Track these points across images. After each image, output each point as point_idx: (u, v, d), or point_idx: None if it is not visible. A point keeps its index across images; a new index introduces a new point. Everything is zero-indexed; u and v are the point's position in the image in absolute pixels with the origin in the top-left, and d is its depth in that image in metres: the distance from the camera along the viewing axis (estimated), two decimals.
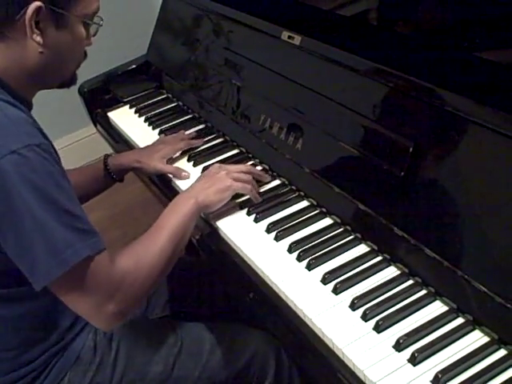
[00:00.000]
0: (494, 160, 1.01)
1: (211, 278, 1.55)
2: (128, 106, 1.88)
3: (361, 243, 1.17)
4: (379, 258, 1.13)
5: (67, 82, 1.20)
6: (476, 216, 1.02)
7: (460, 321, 1.00)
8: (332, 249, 1.17)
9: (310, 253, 1.17)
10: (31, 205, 0.97)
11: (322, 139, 1.30)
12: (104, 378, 1.23)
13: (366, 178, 1.20)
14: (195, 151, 1.55)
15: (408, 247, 1.08)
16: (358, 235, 1.19)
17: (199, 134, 1.61)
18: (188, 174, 1.47)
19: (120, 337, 1.27)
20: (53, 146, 1.08)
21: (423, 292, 1.05)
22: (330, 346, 1.00)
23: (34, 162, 0.98)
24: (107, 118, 1.87)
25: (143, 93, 1.92)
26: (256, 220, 1.28)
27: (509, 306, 0.92)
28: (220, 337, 1.31)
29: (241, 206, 1.32)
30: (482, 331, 0.97)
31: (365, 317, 1.02)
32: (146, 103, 1.86)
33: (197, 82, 1.77)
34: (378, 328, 1.00)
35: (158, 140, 1.61)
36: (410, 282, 1.08)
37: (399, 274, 1.09)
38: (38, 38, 1.06)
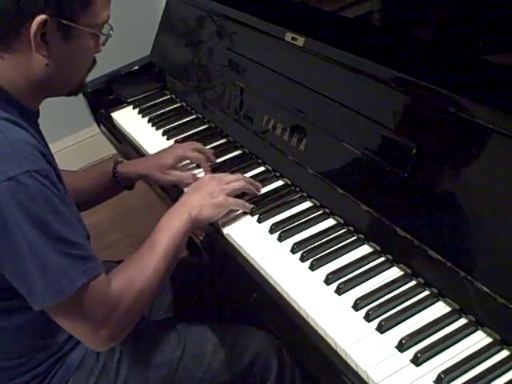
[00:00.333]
0: (496, 161, 1.01)
1: (214, 279, 1.55)
2: (131, 107, 1.88)
3: (364, 244, 1.18)
4: (382, 259, 1.14)
5: (75, 90, 1.17)
6: (479, 217, 1.02)
7: (463, 321, 1.00)
8: (335, 249, 1.17)
9: (313, 253, 1.17)
10: (27, 233, 0.97)
11: (325, 140, 1.30)
12: (107, 382, 1.22)
13: (369, 179, 1.20)
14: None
15: (411, 248, 1.08)
16: (361, 236, 1.19)
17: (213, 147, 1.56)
18: (192, 179, 1.44)
19: (123, 341, 1.25)
20: (55, 169, 1.06)
21: (426, 293, 1.05)
22: (333, 345, 1.01)
23: (31, 189, 0.97)
24: (111, 118, 1.87)
25: (147, 93, 1.92)
26: (259, 220, 1.28)
27: (511, 306, 0.93)
28: (222, 338, 1.31)
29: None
30: (485, 332, 0.97)
31: (368, 317, 1.02)
32: (149, 104, 1.87)
33: (200, 83, 1.77)
34: (381, 328, 1.00)
35: (168, 147, 1.56)
36: (413, 282, 1.08)
37: (402, 275, 1.10)
38: (44, 51, 1.03)
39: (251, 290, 1.18)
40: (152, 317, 1.47)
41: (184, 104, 1.82)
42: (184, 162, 1.51)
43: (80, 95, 1.88)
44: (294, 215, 1.28)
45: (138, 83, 1.95)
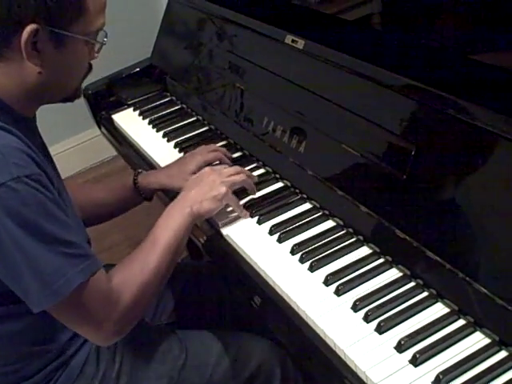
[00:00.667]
0: (495, 162, 1.01)
1: (215, 282, 1.55)
2: (132, 109, 1.88)
3: (363, 245, 1.18)
4: (381, 260, 1.14)
5: (71, 96, 1.16)
6: (478, 218, 1.02)
7: (461, 322, 1.00)
8: (334, 251, 1.18)
9: (312, 255, 1.17)
10: (19, 239, 0.97)
11: (324, 142, 1.31)
12: None
13: (369, 180, 1.21)
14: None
15: (410, 249, 1.08)
16: (361, 237, 1.19)
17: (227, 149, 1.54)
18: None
19: (124, 350, 1.25)
20: (46, 173, 1.05)
21: (425, 294, 1.06)
22: (332, 346, 1.01)
23: (23, 194, 0.97)
24: (111, 120, 1.88)
25: (147, 95, 1.92)
26: (259, 222, 1.28)
27: (510, 307, 0.93)
28: (225, 347, 1.29)
29: (244, 208, 1.32)
30: (483, 333, 0.98)
31: (367, 318, 1.03)
32: (149, 106, 1.87)
33: (200, 85, 1.78)
34: (380, 329, 1.00)
35: (186, 155, 1.51)
36: (412, 284, 1.08)
37: (401, 276, 1.10)
38: (36, 60, 1.02)
39: (252, 291, 1.19)
40: (155, 321, 1.46)
41: (184, 106, 1.83)
42: None
43: (81, 97, 1.90)
44: (293, 217, 1.28)
45: (139, 85, 1.96)
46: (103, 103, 1.91)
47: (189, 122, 1.75)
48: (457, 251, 1.03)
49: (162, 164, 1.56)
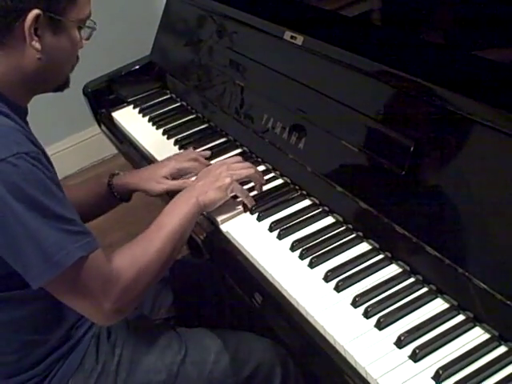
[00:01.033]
0: (494, 158, 1.02)
1: (215, 278, 1.55)
2: (132, 106, 1.89)
3: (362, 241, 1.18)
4: (381, 256, 1.14)
5: (62, 85, 1.20)
6: (476, 214, 1.03)
7: (461, 318, 1.00)
8: (334, 247, 1.18)
9: (312, 251, 1.17)
10: (20, 213, 0.98)
11: (324, 139, 1.31)
12: None
13: (368, 176, 1.21)
14: (199, 151, 1.56)
15: (409, 245, 1.09)
16: (360, 233, 1.19)
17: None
18: (184, 184, 1.41)
19: (123, 342, 1.26)
20: (44, 153, 1.08)
21: (424, 290, 1.06)
22: (332, 342, 1.01)
23: (23, 170, 0.99)
24: (111, 118, 1.88)
25: (147, 93, 1.93)
26: (259, 219, 1.29)
27: (509, 303, 0.93)
28: (225, 345, 1.30)
29: (244, 205, 1.32)
30: (483, 328, 0.98)
31: (366, 314, 1.03)
32: (149, 103, 1.88)
33: (200, 82, 1.78)
34: (380, 325, 1.00)
35: (164, 159, 1.52)
36: (412, 279, 1.08)
37: (401, 272, 1.10)
38: (37, 45, 1.06)
39: (251, 288, 1.19)
40: (153, 316, 1.47)
41: (184, 103, 1.83)
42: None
43: (81, 95, 1.91)
44: (293, 213, 1.29)
45: (139, 83, 1.96)
46: (103, 101, 1.92)
47: (189, 120, 1.75)
48: (456, 247, 1.03)
49: None
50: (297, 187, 1.36)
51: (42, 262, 1.00)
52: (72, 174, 2.99)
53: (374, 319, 1.02)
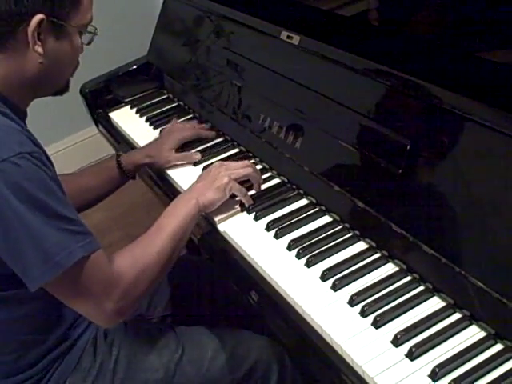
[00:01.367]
0: (490, 157, 1.02)
1: (212, 277, 1.55)
2: (129, 107, 1.89)
3: (359, 240, 1.19)
4: (377, 255, 1.14)
5: (62, 89, 1.21)
6: (473, 213, 1.03)
7: (457, 316, 1.01)
8: (331, 246, 1.18)
9: (309, 250, 1.18)
10: (22, 213, 0.98)
11: (320, 138, 1.31)
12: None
13: (365, 176, 1.21)
14: (196, 150, 1.56)
15: (406, 244, 1.09)
16: (357, 232, 1.20)
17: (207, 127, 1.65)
18: (199, 156, 1.52)
19: (120, 342, 1.26)
20: (45, 153, 1.09)
21: (421, 288, 1.06)
22: (329, 341, 1.01)
23: (25, 170, 0.99)
24: (109, 118, 1.88)
25: (144, 93, 1.93)
26: (256, 218, 1.29)
27: (505, 301, 0.93)
28: (222, 343, 1.31)
29: (241, 205, 1.33)
30: (479, 326, 0.98)
31: (363, 313, 1.03)
32: (146, 103, 1.88)
33: (197, 82, 1.78)
34: (376, 324, 1.01)
35: (165, 131, 1.63)
36: (408, 278, 1.09)
37: (397, 271, 1.10)
38: (40, 49, 1.07)
39: (249, 287, 1.19)
40: (149, 314, 1.48)
41: (181, 103, 1.83)
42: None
43: (78, 96, 1.91)
44: (290, 213, 1.29)
45: (136, 83, 1.96)
46: (100, 101, 1.92)
47: (186, 119, 1.75)
48: (452, 245, 1.03)
49: None
50: (293, 186, 1.36)
51: (42, 263, 1.00)
52: None
53: (371, 318, 1.02)
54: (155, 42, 1.99)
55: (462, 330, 0.98)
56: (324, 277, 1.11)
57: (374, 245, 1.16)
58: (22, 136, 1.03)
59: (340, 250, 1.17)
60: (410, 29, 1.34)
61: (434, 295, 1.05)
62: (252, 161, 1.47)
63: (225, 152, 1.55)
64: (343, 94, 1.29)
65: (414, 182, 1.12)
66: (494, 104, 1.02)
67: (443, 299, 1.03)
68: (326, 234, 1.22)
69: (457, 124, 1.07)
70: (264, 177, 1.41)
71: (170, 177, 1.51)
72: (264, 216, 1.29)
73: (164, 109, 1.83)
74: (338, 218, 1.24)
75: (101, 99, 1.92)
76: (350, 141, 1.23)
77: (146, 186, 1.73)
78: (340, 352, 0.99)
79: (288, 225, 1.25)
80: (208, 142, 1.60)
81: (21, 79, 1.10)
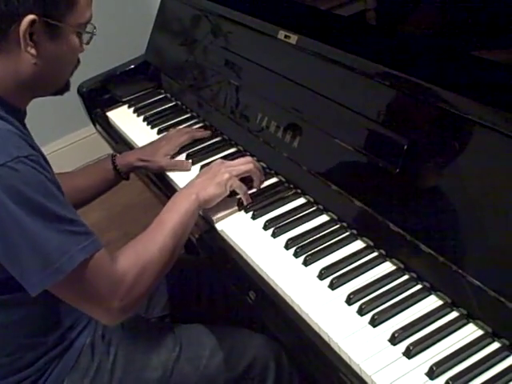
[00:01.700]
0: (487, 156, 1.02)
1: (210, 277, 1.56)
2: (127, 106, 1.89)
3: (357, 239, 1.19)
4: (375, 254, 1.15)
5: (61, 89, 1.19)
6: (470, 212, 1.03)
7: (454, 315, 1.01)
8: (328, 245, 1.18)
9: (306, 249, 1.18)
10: (20, 218, 0.98)
11: (318, 137, 1.31)
12: (102, 383, 1.23)
13: (362, 175, 1.21)
14: (193, 150, 1.57)
15: (403, 243, 1.09)
16: (354, 231, 1.20)
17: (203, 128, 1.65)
18: (190, 165, 1.50)
19: (118, 341, 1.26)
20: (43, 155, 1.08)
21: (418, 287, 1.07)
22: (327, 340, 1.02)
23: (23, 174, 0.98)
24: (106, 117, 1.88)
25: (142, 92, 1.93)
26: (253, 217, 1.29)
27: (502, 299, 0.94)
28: (220, 341, 1.31)
29: (238, 204, 1.33)
30: (476, 325, 0.98)
31: (361, 311, 1.03)
32: (144, 103, 1.88)
33: (195, 82, 1.78)
34: (374, 322, 1.01)
35: (161, 137, 1.63)
36: (406, 277, 1.09)
37: (395, 270, 1.11)
38: (32, 50, 1.05)
39: (246, 287, 1.19)
40: (148, 314, 1.47)
41: (179, 103, 1.83)
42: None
43: (76, 95, 1.91)
44: (287, 212, 1.29)
45: (133, 82, 1.96)
46: (98, 101, 1.92)
47: (183, 119, 1.75)
48: (450, 244, 1.03)
49: None
50: (291, 186, 1.36)
51: (42, 269, 1.00)
52: None
53: (368, 316, 1.02)
54: (153, 41, 1.99)
55: (459, 328, 0.99)
56: (321, 275, 1.12)
57: (371, 244, 1.16)
58: (19, 139, 1.02)
59: (337, 249, 1.17)
60: (407, 28, 1.34)
61: (431, 294, 1.05)
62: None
63: (222, 151, 1.55)
64: (341, 93, 1.29)
65: (412, 181, 1.12)
66: (491, 103, 1.02)
67: (440, 298, 1.04)
68: (324, 232, 1.22)
69: (454, 123, 1.07)
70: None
71: (168, 176, 1.51)
72: (261, 215, 1.29)
73: (161, 108, 1.83)
74: (335, 217, 1.25)
75: (98, 98, 1.92)
76: (348, 140, 1.23)
77: (144, 185, 1.73)
78: (337, 350, 1.00)
79: (285, 224, 1.25)
80: (205, 142, 1.60)
81: (16, 80, 1.08)
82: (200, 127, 1.68)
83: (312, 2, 1.54)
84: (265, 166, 1.44)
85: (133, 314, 1.16)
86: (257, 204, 1.32)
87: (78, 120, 2.33)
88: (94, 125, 1.94)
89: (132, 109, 1.86)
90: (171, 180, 1.50)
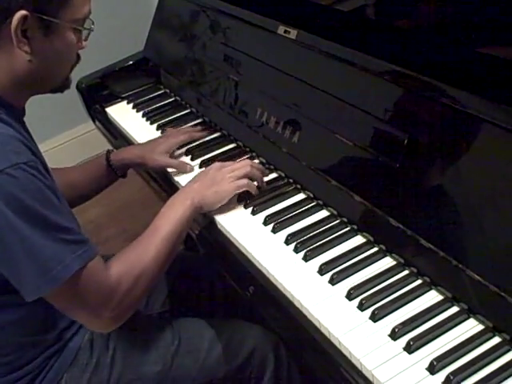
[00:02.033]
0: (487, 151, 1.02)
1: (210, 273, 1.55)
2: (126, 102, 1.89)
3: (357, 234, 1.19)
4: (375, 249, 1.14)
5: (60, 87, 1.17)
6: (471, 206, 1.03)
7: (455, 309, 1.01)
8: (328, 240, 1.18)
9: (306, 244, 1.18)
10: (18, 225, 0.97)
11: (318, 132, 1.31)
12: (101, 378, 1.22)
13: (362, 170, 1.21)
14: (193, 145, 1.56)
15: (404, 238, 1.09)
16: (354, 227, 1.20)
17: (202, 127, 1.63)
18: (192, 167, 1.47)
19: (117, 336, 1.26)
20: (41, 159, 1.07)
21: (418, 282, 1.06)
22: (327, 335, 1.02)
23: (22, 181, 0.98)
24: (105, 113, 1.88)
25: (141, 88, 1.93)
26: (253, 212, 1.29)
27: (503, 294, 0.94)
28: (218, 333, 1.31)
29: (238, 199, 1.32)
30: (477, 319, 0.98)
31: (361, 306, 1.03)
32: (143, 98, 1.88)
33: (194, 77, 1.78)
34: (374, 317, 1.01)
35: (160, 136, 1.61)
36: (406, 272, 1.09)
37: (395, 265, 1.11)
38: (26, 47, 1.03)
39: (247, 282, 1.19)
40: (147, 311, 1.47)
41: (178, 98, 1.83)
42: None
43: (75, 91, 1.90)
44: (287, 207, 1.29)
45: (133, 78, 1.96)
46: (97, 97, 1.92)
47: (183, 115, 1.75)
48: (450, 239, 1.03)
49: None
50: (291, 181, 1.36)
51: (38, 277, 1.00)
52: None
53: (369, 311, 1.02)
54: (152, 37, 1.99)
55: (460, 323, 0.99)
56: (322, 271, 1.12)
57: (371, 239, 1.16)
58: (18, 144, 1.01)
59: (337, 244, 1.17)
60: (406, 23, 1.33)
61: (431, 289, 1.05)
62: (249, 156, 1.48)
63: (222, 147, 1.55)
64: (340, 88, 1.28)
65: (412, 176, 1.12)
66: (491, 98, 1.02)
67: (441, 293, 1.04)
68: (324, 228, 1.22)
69: (455, 118, 1.07)
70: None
71: (168, 172, 1.51)
72: (261, 210, 1.29)
73: (161, 104, 1.83)
74: (335, 213, 1.24)
75: (97, 94, 1.92)
76: (348, 135, 1.23)
77: (143, 181, 1.73)
78: (338, 345, 1.00)
79: (285, 219, 1.25)
80: (205, 137, 1.59)
81: (12, 78, 1.06)
82: (198, 123, 1.67)
83: None
84: (264, 161, 1.44)
85: (124, 321, 1.15)
86: (256, 199, 1.31)
87: (77, 116, 2.32)
88: (93, 121, 1.94)
89: (131, 105, 1.86)
90: (170, 176, 1.50)
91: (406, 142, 1.11)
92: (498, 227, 0.98)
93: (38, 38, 1.04)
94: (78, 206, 1.46)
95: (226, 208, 1.31)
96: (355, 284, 1.08)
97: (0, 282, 1.05)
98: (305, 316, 1.06)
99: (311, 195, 1.30)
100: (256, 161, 1.45)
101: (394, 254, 1.12)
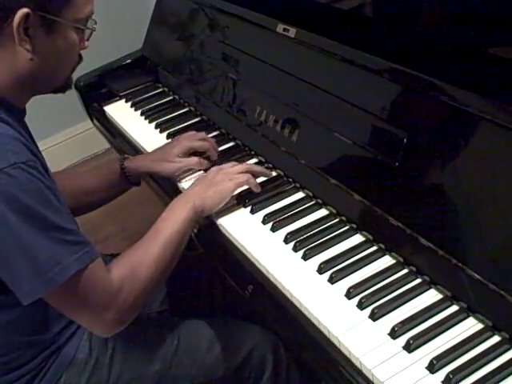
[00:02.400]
0: (487, 149, 1.02)
1: (209, 272, 1.55)
2: (124, 100, 1.88)
3: (356, 233, 1.18)
4: (374, 248, 1.14)
5: (61, 87, 1.16)
6: (469, 205, 1.03)
7: (454, 308, 1.01)
8: (328, 239, 1.18)
9: (305, 243, 1.18)
10: (15, 225, 0.96)
11: (317, 131, 1.31)
12: (100, 378, 1.22)
13: (361, 168, 1.21)
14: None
15: (403, 237, 1.09)
16: (354, 225, 1.20)
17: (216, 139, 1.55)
18: (206, 162, 1.44)
19: (116, 336, 1.23)
20: (41, 160, 1.06)
21: (418, 280, 1.06)
22: (326, 334, 1.01)
23: (21, 180, 0.97)
24: (103, 112, 1.87)
25: (139, 87, 1.92)
26: (252, 211, 1.29)
27: (502, 293, 0.93)
28: (217, 333, 1.31)
29: (237, 198, 1.32)
30: (476, 318, 0.98)
31: (360, 305, 1.03)
32: (142, 97, 1.87)
33: (192, 76, 1.77)
34: (374, 316, 1.01)
35: (173, 140, 1.53)
36: (405, 270, 1.09)
37: (394, 263, 1.10)
38: (27, 46, 1.02)
39: (246, 281, 1.19)
40: (146, 309, 1.47)
41: (177, 97, 1.83)
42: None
43: (73, 89, 1.90)
44: (286, 206, 1.29)
45: (131, 77, 1.95)
46: (95, 95, 1.91)
47: (181, 113, 1.74)
48: (449, 238, 1.03)
49: None
50: (290, 180, 1.35)
51: (34, 278, 0.99)
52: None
53: (368, 310, 1.02)
54: (150, 35, 1.98)
55: (460, 322, 0.99)
56: (321, 270, 1.11)
57: (370, 238, 1.16)
58: (18, 144, 1.00)
59: (337, 243, 1.17)
60: (406, 21, 1.33)
61: (431, 288, 1.05)
62: (247, 154, 1.47)
63: (220, 146, 1.54)
64: (340, 86, 1.28)
65: (411, 174, 1.11)
66: (490, 96, 1.01)
67: (440, 292, 1.04)
68: (323, 227, 1.21)
69: (454, 117, 1.06)
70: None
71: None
72: (260, 209, 1.29)
73: (159, 102, 1.82)
74: (334, 211, 1.24)
75: (95, 93, 1.91)
76: (347, 134, 1.23)
77: (142, 180, 1.72)
78: (337, 344, 0.99)
79: (284, 218, 1.25)
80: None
81: (13, 77, 1.06)
82: (200, 121, 1.67)
83: None
84: (263, 160, 1.44)
85: (126, 325, 1.14)
86: (255, 198, 1.31)
87: (75, 115, 2.32)
88: (92, 119, 1.93)
89: (129, 103, 1.85)
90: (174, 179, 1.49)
91: (405, 140, 1.11)
92: (497, 226, 0.98)
93: (40, 36, 1.03)
94: (85, 213, 1.44)
95: (224, 207, 1.30)
96: (354, 283, 1.07)
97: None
98: (304, 315, 1.06)
99: (310, 194, 1.30)
100: (255, 160, 1.44)
101: (393, 253, 1.12)
